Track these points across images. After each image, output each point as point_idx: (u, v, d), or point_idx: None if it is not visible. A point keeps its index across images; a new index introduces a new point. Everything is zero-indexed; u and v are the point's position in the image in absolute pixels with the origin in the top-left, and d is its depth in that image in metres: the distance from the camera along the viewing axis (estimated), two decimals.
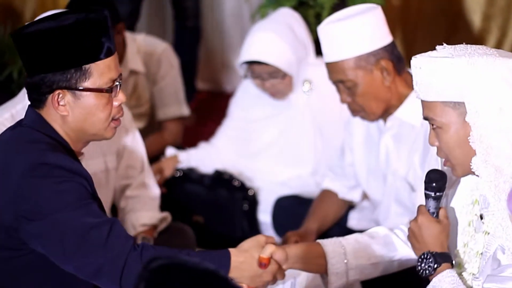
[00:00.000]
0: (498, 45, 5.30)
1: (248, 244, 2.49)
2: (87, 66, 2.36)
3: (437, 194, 2.42)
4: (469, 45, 2.28)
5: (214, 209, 3.96)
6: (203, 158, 4.05)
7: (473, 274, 2.36)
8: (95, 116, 2.40)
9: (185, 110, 4.36)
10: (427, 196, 2.44)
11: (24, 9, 5.13)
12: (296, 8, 4.41)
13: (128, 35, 4.12)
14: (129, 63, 4.10)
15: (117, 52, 2.46)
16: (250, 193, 3.94)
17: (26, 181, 2.29)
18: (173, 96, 4.30)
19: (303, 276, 2.72)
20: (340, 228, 3.47)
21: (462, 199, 2.46)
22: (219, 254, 2.43)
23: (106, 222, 2.32)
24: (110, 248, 2.29)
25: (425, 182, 2.44)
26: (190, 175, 4.00)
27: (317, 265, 2.63)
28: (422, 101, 2.33)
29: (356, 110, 3.10)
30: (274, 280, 2.52)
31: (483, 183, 2.23)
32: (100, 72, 2.37)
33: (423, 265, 2.40)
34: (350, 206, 3.61)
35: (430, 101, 2.29)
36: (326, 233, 3.37)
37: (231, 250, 2.45)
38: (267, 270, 2.47)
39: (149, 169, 3.49)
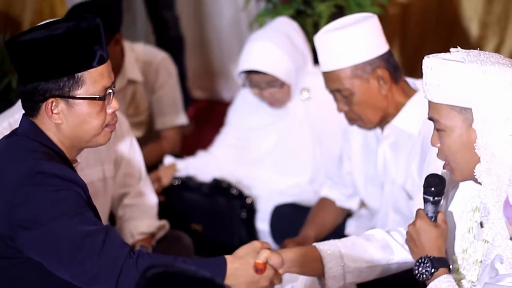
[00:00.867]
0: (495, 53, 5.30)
1: (243, 250, 2.50)
2: (80, 74, 2.37)
3: (436, 198, 2.43)
4: (482, 51, 2.28)
5: (212, 217, 3.96)
6: (201, 166, 4.06)
7: (472, 282, 2.36)
8: (88, 124, 2.41)
9: (183, 119, 4.37)
10: (425, 201, 2.45)
11: (22, 18, 5.14)
12: (294, 17, 4.42)
13: (127, 44, 4.13)
14: (127, 72, 4.11)
15: (116, 61, 2.48)
16: (248, 201, 3.94)
17: (21, 190, 2.30)
18: (171, 105, 4.31)
19: (301, 280, 2.72)
20: (337, 236, 3.44)
21: (461, 204, 2.46)
22: (215, 261, 2.44)
23: (101, 230, 2.32)
24: (106, 255, 2.29)
25: (423, 186, 2.45)
26: (188, 183, 4.01)
27: (314, 269, 2.62)
28: (429, 101, 2.33)
29: (353, 118, 3.11)
30: (271, 285, 2.52)
31: (485, 191, 2.23)
32: (93, 80, 2.38)
33: (420, 269, 2.40)
34: (348, 214, 3.61)
35: (437, 102, 2.29)
36: (323, 241, 3.37)
37: (227, 257, 2.45)
38: (263, 275, 2.47)
39: (147, 178, 3.49)
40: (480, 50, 2.30)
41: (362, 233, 2.77)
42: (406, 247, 2.53)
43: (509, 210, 2.00)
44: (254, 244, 2.53)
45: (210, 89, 6.18)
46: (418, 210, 2.47)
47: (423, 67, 2.31)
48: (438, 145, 2.34)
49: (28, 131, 2.42)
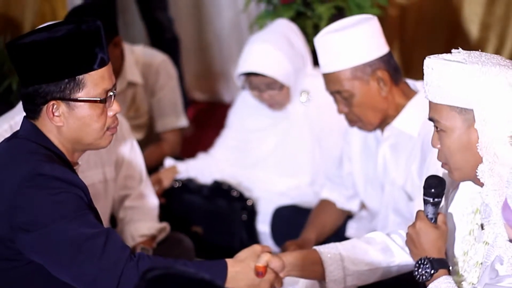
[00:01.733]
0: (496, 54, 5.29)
1: (244, 254, 2.50)
2: (80, 76, 2.36)
3: (435, 200, 2.43)
4: (484, 53, 2.28)
5: (213, 219, 3.96)
6: (202, 168, 4.06)
7: (472, 283, 2.36)
8: (89, 127, 2.41)
9: (183, 121, 4.37)
10: (425, 202, 2.45)
11: (23, 20, 5.14)
12: (294, 19, 4.42)
13: (127, 47, 4.14)
14: (127, 75, 4.11)
15: (115, 64, 2.48)
16: (249, 203, 3.94)
17: (22, 192, 2.30)
18: (172, 107, 4.31)
19: (302, 284, 2.72)
20: (338, 237, 3.47)
21: (462, 206, 2.47)
22: (216, 264, 2.44)
23: (102, 233, 2.32)
24: (106, 258, 2.29)
25: (423, 188, 2.45)
26: (188, 185, 4.01)
27: (315, 272, 2.62)
28: (429, 101, 2.33)
29: (353, 120, 3.11)
30: None
31: (487, 191, 2.23)
32: (94, 82, 2.38)
33: (420, 270, 2.40)
34: (348, 215, 3.62)
35: (437, 103, 2.29)
36: (324, 243, 3.35)
37: (228, 260, 2.45)
38: (264, 279, 2.47)
39: (147, 180, 3.49)
40: (481, 51, 2.31)
41: (362, 236, 2.77)
42: (407, 249, 2.54)
43: (507, 212, 1.99)
44: (255, 247, 2.53)
45: (210, 91, 6.18)
46: (418, 212, 2.47)
47: (424, 67, 2.31)
48: (438, 146, 2.34)
49: (29, 134, 2.42)
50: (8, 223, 2.32)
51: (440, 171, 2.46)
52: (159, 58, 4.30)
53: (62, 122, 2.39)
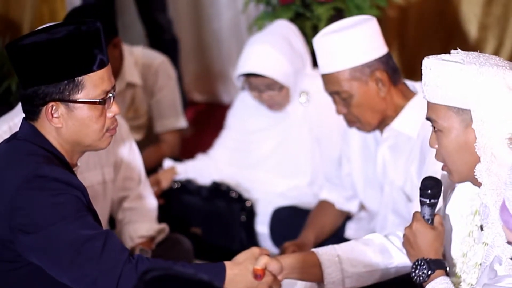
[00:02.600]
0: (495, 55, 5.29)
1: (242, 256, 2.50)
2: (80, 78, 2.36)
3: (432, 201, 2.43)
4: (482, 53, 2.29)
5: (212, 220, 3.97)
6: (201, 169, 4.06)
7: (471, 284, 2.36)
8: (89, 128, 2.41)
9: (182, 122, 4.38)
10: (422, 203, 2.45)
11: (22, 21, 5.13)
12: (293, 20, 4.42)
13: (126, 48, 4.14)
14: (127, 76, 4.11)
15: (115, 65, 2.47)
16: (248, 204, 3.94)
17: (21, 194, 2.30)
18: (171, 108, 4.31)
19: (300, 286, 2.72)
20: (337, 238, 3.47)
21: (460, 208, 2.47)
22: (214, 266, 2.44)
23: (101, 234, 2.32)
24: (105, 260, 2.30)
25: (420, 189, 2.45)
26: (187, 186, 4.01)
27: (313, 274, 2.62)
28: (427, 102, 2.34)
29: (352, 121, 3.11)
30: None
31: (485, 191, 2.23)
32: (93, 84, 2.38)
33: (417, 271, 2.41)
34: (347, 216, 3.61)
35: (435, 103, 2.30)
36: (323, 244, 3.36)
37: (226, 263, 2.45)
38: (262, 281, 2.47)
39: (146, 181, 3.49)
40: (479, 52, 2.31)
41: (361, 237, 2.77)
42: (404, 250, 2.54)
43: (505, 213, 2.00)
44: (253, 250, 2.53)
45: (209, 92, 6.18)
46: (415, 213, 2.47)
47: (422, 67, 2.32)
48: (436, 146, 2.34)
49: (28, 135, 2.42)
50: (7, 224, 2.32)
51: (439, 172, 2.46)
52: (158, 59, 4.30)
53: (61, 123, 2.39)
